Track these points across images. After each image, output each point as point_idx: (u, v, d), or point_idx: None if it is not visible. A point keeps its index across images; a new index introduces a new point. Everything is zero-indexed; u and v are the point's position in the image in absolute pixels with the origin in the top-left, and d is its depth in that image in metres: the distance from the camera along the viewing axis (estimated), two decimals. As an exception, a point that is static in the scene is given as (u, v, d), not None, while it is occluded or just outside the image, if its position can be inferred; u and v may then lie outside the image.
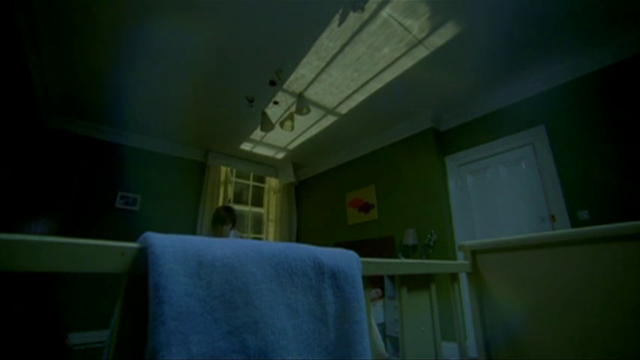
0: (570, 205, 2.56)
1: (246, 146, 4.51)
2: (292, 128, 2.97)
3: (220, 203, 4.57)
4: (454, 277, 1.17)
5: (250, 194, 5.25)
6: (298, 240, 5.20)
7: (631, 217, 2.20)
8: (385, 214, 3.88)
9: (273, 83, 2.89)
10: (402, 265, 0.86)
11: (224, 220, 2.60)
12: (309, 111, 2.72)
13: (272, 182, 5.41)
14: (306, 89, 3.08)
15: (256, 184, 5.36)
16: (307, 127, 3.91)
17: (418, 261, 0.95)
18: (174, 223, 4.15)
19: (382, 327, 3.13)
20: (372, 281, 3.47)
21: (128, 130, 3.93)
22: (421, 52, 2.57)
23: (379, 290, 3.44)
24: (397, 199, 3.75)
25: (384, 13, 2.18)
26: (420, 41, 2.45)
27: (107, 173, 3.79)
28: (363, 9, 2.08)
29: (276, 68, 2.75)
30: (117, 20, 2.24)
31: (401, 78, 2.90)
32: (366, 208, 4.14)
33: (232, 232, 2.77)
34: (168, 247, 0.36)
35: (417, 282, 0.97)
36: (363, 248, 3.94)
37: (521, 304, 1.03)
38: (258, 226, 5.19)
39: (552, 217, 2.65)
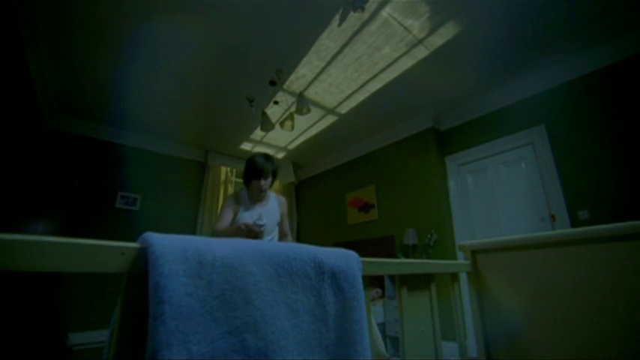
0: (570, 205, 2.56)
1: (246, 146, 4.51)
2: (292, 128, 2.97)
3: (220, 203, 4.56)
4: (454, 276, 1.17)
5: (250, 194, 5.24)
6: (298, 240, 5.20)
7: (631, 217, 2.20)
8: (385, 214, 3.88)
9: (273, 83, 2.89)
10: (402, 265, 0.86)
11: (260, 173, 1.75)
12: (309, 111, 2.72)
13: (272, 182, 5.40)
14: (306, 89, 3.08)
15: (256, 184, 5.35)
16: (307, 127, 3.91)
17: (418, 261, 0.95)
18: (174, 223, 4.15)
19: (382, 327, 3.13)
20: (372, 281, 3.47)
21: (128, 130, 3.93)
22: (421, 52, 2.57)
23: (379, 290, 3.44)
24: (397, 199, 3.75)
25: (384, 12, 2.18)
26: (420, 41, 2.45)
27: (107, 173, 3.79)
28: (363, 9, 2.08)
29: (276, 68, 2.75)
30: (117, 20, 2.24)
31: (401, 78, 2.90)
32: (366, 208, 4.14)
33: (273, 195, 1.96)
34: (169, 247, 0.36)
35: (417, 282, 0.97)
36: (363, 248, 3.94)
37: (521, 304, 1.03)
38: (258, 226, 5.18)
39: (552, 217, 2.65)
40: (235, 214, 1.82)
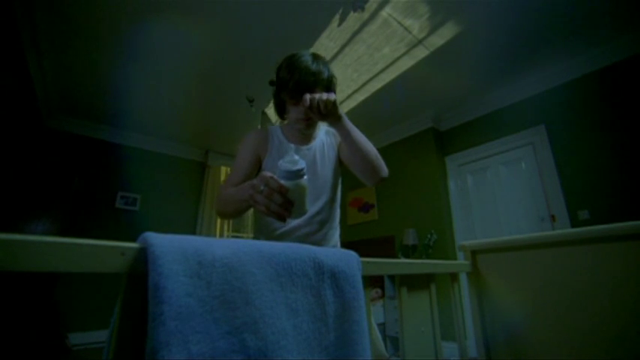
0: (570, 205, 2.56)
1: (246, 146, 4.51)
2: (292, 128, 2.97)
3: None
4: (454, 277, 1.17)
5: (250, 194, 5.23)
6: (298, 240, 5.19)
7: (631, 217, 2.20)
8: (385, 214, 3.87)
9: (273, 83, 2.89)
10: (402, 265, 0.86)
11: (305, 84, 0.91)
12: (309, 111, 2.71)
13: (272, 182, 5.40)
14: (306, 89, 3.08)
15: (256, 184, 5.35)
16: (307, 127, 3.91)
17: (418, 261, 0.95)
18: (174, 223, 4.15)
19: (382, 327, 3.13)
20: (372, 281, 3.47)
21: (128, 130, 3.93)
22: (421, 52, 2.57)
23: (379, 290, 3.44)
24: (397, 199, 3.75)
25: (384, 13, 2.18)
26: (420, 41, 2.45)
27: (107, 173, 3.79)
28: (363, 9, 2.08)
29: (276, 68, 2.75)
30: (117, 20, 2.24)
31: (401, 78, 2.90)
32: (366, 208, 4.14)
33: (324, 128, 1.17)
34: (168, 247, 0.36)
35: (417, 282, 0.96)
36: (363, 248, 3.94)
37: (521, 304, 1.03)
38: (258, 226, 5.18)
39: (552, 217, 2.65)
40: (260, 164, 1.01)
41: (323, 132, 1.14)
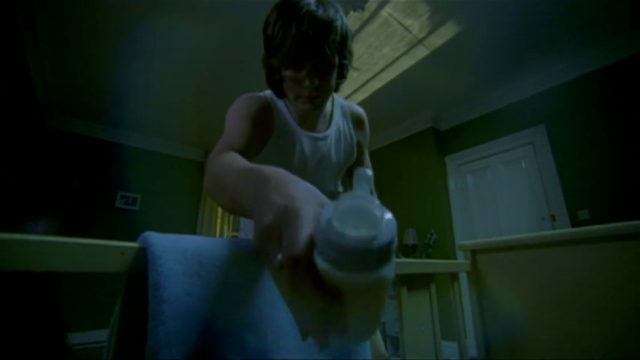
0: (570, 204, 2.56)
1: (246, 146, 4.51)
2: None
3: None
4: (454, 276, 1.17)
5: (250, 194, 5.23)
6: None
7: (631, 217, 2.19)
8: (385, 213, 3.87)
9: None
10: (402, 265, 0.86)
11: (308, 44, 0.57)
12: (309, 111, 2.71)
13: (272, 182, 5.40)
14: (306, 89, 3.08)
15: (256, 183, 5.35)
16: (307, 126, 3.91)
17: (418, 261, 0.95)
18: (174, 223, 4.15)
19: (382, 327, 3.13)
20: (372, 281, 3.47)
21: (128, 130, 3.93)
22: (421, 52, 2.57)
23: (379, 290, 3.44)
24: (397, 199, 3.75)
25: (384, 12, 2.18)
26: (420, 41, 2.45)
27: (107, 173, 3.79)
28: (363, 8, 2.08)
29: (276, 68, 2.75)
30: (117, 20, 2.24)
31: (401, 78, 2.90)
32: (366, 207, 4.13)
33: (340, 102, 0.91)
34: (168, 246, 0.36)
35: (417, 282, 0.97)
36: (363, 248, 3.94)
37: (521, 304, 1.03)
38: (258, 226, 5.18)
39: (552, 216, 2.65)
40: (261, 141, 0.71)
41: (339, 112, 0.85)
